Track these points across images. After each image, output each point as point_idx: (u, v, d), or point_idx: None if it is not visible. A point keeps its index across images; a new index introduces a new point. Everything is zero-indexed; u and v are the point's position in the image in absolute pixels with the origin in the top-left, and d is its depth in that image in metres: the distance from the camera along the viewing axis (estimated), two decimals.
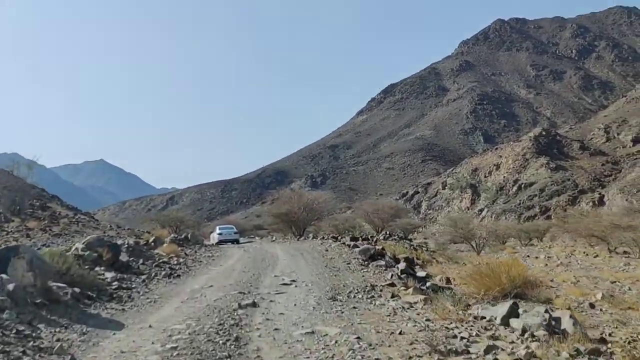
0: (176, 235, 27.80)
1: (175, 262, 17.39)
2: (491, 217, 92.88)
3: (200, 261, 18.88)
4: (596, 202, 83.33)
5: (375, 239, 36.24)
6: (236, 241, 38.91)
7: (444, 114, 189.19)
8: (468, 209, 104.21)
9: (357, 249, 19.29)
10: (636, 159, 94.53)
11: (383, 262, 16.47)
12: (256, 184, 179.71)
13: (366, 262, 16.69)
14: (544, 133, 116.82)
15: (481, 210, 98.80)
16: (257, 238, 48.85)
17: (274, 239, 38.84)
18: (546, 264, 28.55)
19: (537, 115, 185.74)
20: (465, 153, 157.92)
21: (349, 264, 16.69)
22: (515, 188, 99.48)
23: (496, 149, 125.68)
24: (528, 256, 33.45)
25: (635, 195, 79.72)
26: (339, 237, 35.62)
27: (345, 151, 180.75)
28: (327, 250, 21.35)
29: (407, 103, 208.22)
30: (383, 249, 20.52)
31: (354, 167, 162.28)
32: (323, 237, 33.52)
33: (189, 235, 28.87)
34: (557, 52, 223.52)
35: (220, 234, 40.27)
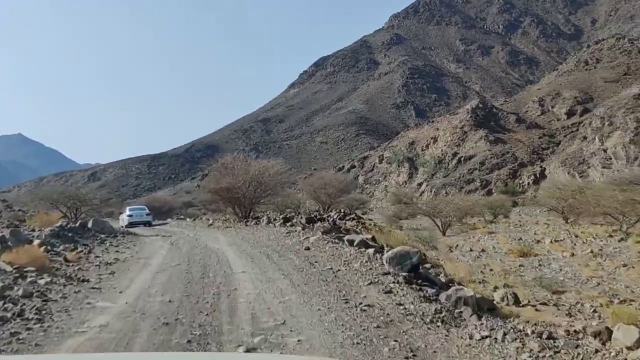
0: (66, 223, 19.58)
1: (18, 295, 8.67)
2: (431, 191, 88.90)
3: (84, 282, 10.45)
4: (537, 176, 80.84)
5: (333, 218, 29.38)
6: (148, 223, 35.87)
7: (375, 87, 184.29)
8: (406, 183, 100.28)
9: (363, 249, 12.00)
10: (572, 131, 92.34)
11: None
12: (185, 158, 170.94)
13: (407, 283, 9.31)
14: (480, 105, 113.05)
15: (420, 184, 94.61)
16: (187, 220, 40.72)
17: (211, 222, 31.20)
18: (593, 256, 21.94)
19: (466, 90, 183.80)
20: (398, 127, 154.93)
21: (379, 285, 9.43)
22: (454, 161, 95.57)
23: (432, 121, 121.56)
24: (538, 241, 27.10)
25: (577, 168, 77.36)
26: (291, 218, 28.70)
27: (278, 125, 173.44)
28: (307, 249, 13.79)
29: (339, 76, 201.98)
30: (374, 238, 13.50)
31: (287, 141, 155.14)
32: (271, 219, 26.25)
33: (88, 223, 20.70)
34: (485, 27, 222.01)
35: (130, 215, 36.54)
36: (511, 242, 28.94)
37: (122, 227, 33.72)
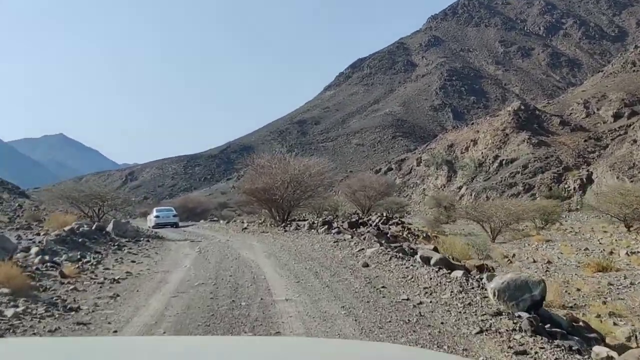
0: (78, 226, 16.78)
1: None
2: (471, 195, 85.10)
3: (71, 312, 7.67)
4: (584, 180, 76.48)
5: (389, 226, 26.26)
6: (175, 225, 35.93)
7: (413, 89, 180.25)
8: (444, 187, 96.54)
9: (444, 269, 8.72)
10: (620, 134, 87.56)
11: None
12: (221, 159, 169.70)
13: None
14: (522, 107, 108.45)
15: (459, 188, 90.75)
16: (220, 222, 37.99)
17: (245, 225, 28.33)
18: None
19: (505, 92, 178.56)
20: (435, 130, 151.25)
21: None
22: (495, 165, 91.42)
23: (472, 124, 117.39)
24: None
25: (626, 172, 72.98)
26: (330, 222, 25.74)
27: (314, 127, 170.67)
28: (366, 266, 10.61)
29: (376, 78, 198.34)
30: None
31: (322, 143, 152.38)
32: (314, 225, 23.22)
33: (107, 225, 17.96)
34: (525, 29, 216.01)
35: (157, 216, 37.10)
36: (577, 253, 25.51)
37: (150, 227, 33.93)
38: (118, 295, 8.96)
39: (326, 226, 23.20)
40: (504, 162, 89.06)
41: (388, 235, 25.85)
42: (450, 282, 8.63)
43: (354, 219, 35.02)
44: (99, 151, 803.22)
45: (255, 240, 20.10)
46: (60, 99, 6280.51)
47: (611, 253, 24.64)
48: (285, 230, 23.07)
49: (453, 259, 14.03)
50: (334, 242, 16.29)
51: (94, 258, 13.02)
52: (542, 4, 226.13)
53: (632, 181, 68.32)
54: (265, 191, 25.98)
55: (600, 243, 28.99)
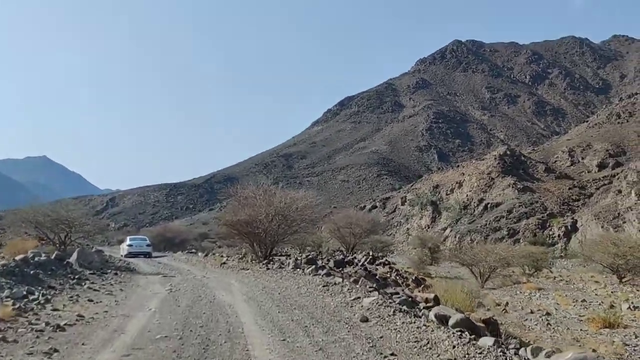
0: (32, 255, 14.70)
1: None
2: (455, 237, 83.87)
3: None
4: (569, 227, 75.63)
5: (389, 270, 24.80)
6: (148, 254, 35.09)
7: (399, 129, 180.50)
8: (428, 227, 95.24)
9: (467, 333, 6.87)
10: (604, 184, 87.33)
11: None
12: (204, 189, 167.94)
13: None
14: (508, 152, 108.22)
15: (444, 229, 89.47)
16: (198, 254, 35.87)
17: (224, 259, 26.20)
18: None
19: (490, 137, 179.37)
20: (420, 170, 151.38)
21: None
22: (480, 208, 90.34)
23: (458, 166, 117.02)
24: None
25: (611, 222, 72.15)
26: (314, 260, 24.07)
27: (300, 161, 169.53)
28: (365, 320, 8.72)
29: (364, 117, 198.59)
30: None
31: (308, 177, 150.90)
32: (300, 263, 21.39)
33: (71, 254, 15.96)
34: (512, 76, 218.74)
35: (130, 245, 36.04)
36: (574, 305, 23.90)
37: (122, 256, 33.38)
38: (56, 351, 6.94)
39: (313, 266, 21.39)
40: (488, 205, 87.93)
41: (377, 277, 24.08)
42: (482, 354, 6.76)
43: (339, 257, 33.25)
44: (82, 175, 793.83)
45: (234, 278, 18.11)
46: (44, 120, 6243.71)
47: (611, 307, 22.99)
48: (268, 268, 21.03)
49: (456, 310, 12.23)
50: (323, 285, 14.35)
51: (43, 295, 10.85)
52: (528, 53, 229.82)
53: (616, 230, 67.44)
54: (248, 224, 23.66)
55: (596, 294, 27.55)
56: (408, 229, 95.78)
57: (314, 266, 19.43)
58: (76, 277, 14.44)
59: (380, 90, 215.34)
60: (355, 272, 24.35)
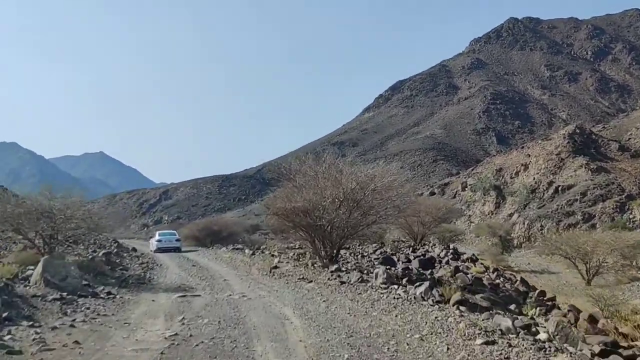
0: None
1: None
2: (523, 223, 75.67)
3: None
4: None
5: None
6: (177, 249, 34.60)
7: (455, 112, 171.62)
8: (492, 213, 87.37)
9: None
10: None
11: None
12: (256, 180, 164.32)
13: None
14: (578, 131, 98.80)
15: (510, 215, 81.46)
16: (245, 251, 30.00)
17: (276, 261, 21.14)
18: None
19: (552, 117, 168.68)
20: (478, 154, 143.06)
21: None
22: (550, 191, 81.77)
23: (522, 147, 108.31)
24: None
25: None
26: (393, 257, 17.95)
27: (351, 149, 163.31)
28: None
29: (416, 101, 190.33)
30: None
31: (361, 165, 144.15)
32: (362, 256, 15.33)
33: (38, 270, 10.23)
34: (572, 53, 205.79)
35: (159, 240, 35.62)
36: None
37: (151, 251, 32.97)
38: None
39: (421, 285, 14.97)
40: (559, 188, 79.85)
41: (490, 286, 17.37)
42: None
43: (418, 253, 26.50)
44: (138, 170, 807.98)
45: (292, 302, 12.24)
46: (100, 117, 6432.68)
47: None
48: (343, 282, 14.76)
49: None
50: (435, 316, 8.36)
51: None
52: (589, 28, 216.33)
53: None
54: (307, 213, 17.66)
55: None
56: (470, 215, 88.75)
57: (406, 277, 12.94)
58: (49, 304, 8.56)
59: (434, 72, 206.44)
60: (453, 276, 17.95)
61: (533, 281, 26.67)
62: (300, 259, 20.92)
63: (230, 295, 13.04)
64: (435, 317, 10.02)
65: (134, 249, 33.63)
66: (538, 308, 13.23)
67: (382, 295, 11.85)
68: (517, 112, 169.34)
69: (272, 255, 24.14)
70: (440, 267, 23.14)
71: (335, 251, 18.87)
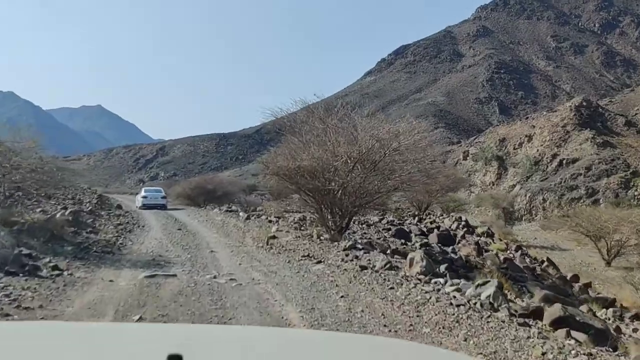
0: None
1: None
2: (525, 195, 73.20)
3: None
4: None
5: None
6: (163, 207, 34.29)
7: (458, 80, 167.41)
8: (493, 184, 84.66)
9: None
10: None
11: None
12: (254, 140, 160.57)
13: None
14: (584, 103, 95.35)
15: (512, 187, 78.78)
16: (240, 214, 27.01)
17: (274, 230, 17.53)
18: None
19: (556, 89, 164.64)
20: (480, 123, 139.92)
21: None
22: (554, 164, 78.97)
23: (527, 118, 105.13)
24: None
25: None
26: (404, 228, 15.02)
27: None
28: None
29: (419, 66, 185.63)
30: None
31: (381, 117, 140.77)
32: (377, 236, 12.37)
33: None
34: (580, 24, 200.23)
35: (145, 197, 35.25)
36: None
37: (137, 207, 32.64)
38: None
39: (443, 265, 11.86)
40: (564, 161, 77.05)
41: (524, 269, 14.20)
42: None
43: (432, 226, 23.37)
44: (136, 125, 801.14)
45: (295, 287, 9.41)
46: (99, 70, 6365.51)
47: None
48: (362, 267, 11.16)
49: None
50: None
51: None
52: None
53: None
54: (314, 174, 14.41)
55: None
56: (470, 185, 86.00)
57: (488, 287, 9.21)
58: None
59: (438, 38, 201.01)
60: (480, 255, 14.80)
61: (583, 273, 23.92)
62: (303, 228, 17.85)
63: (214, 277, 9.93)
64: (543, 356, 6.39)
65: (119, 206, 30.56)
66: (608, 310, 10.21)
67: (427, 296, 8.47)
68: (521, 82, 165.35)
69: (270, 221, 21.04)
70: (459, 243, 20.17)
71: (345, 222, 15.57)
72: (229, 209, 32.43)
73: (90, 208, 19.84)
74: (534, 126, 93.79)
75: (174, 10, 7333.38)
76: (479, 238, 24.16)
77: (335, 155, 13.90)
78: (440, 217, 33.89)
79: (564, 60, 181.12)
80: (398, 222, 24.55)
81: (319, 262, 11.61)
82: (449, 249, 17.31)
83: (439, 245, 18.07)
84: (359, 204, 15.32)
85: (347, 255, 12.07)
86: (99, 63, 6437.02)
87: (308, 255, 12.11)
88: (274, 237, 15.38)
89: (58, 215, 15.37)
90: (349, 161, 13.91)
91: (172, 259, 12.04)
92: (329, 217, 15.56)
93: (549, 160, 79.65)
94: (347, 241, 13.79)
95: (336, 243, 13.56)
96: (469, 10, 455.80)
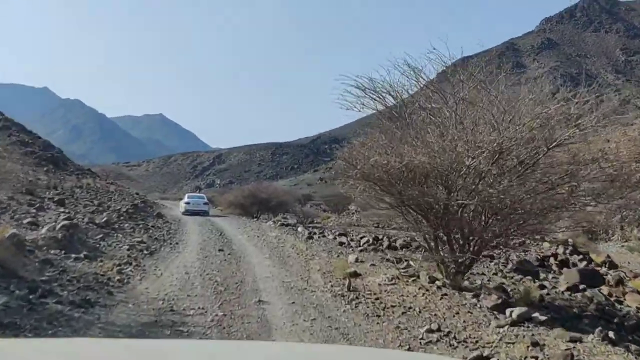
0: None
1: None
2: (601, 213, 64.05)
3: None
4: None
5: None
6: (205, 213, 33.34)
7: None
8: None
9: None
10: None
11: None
12: (310, 149, 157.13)
13: None
14: None
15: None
16: (298, 229, 21.62)
17: (354, 258, 11.95)
18: None
19: (626, 104, 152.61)
20: None
21: None
22: (633, 180, 69.78)
23: (598, 129, 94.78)
24: None
25: None
26: None
27: None
28: None
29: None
30: None
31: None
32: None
33: None
34: None
35: (187, 202, 34.71)
36: None
37: (181, 213, 32.05)
38: None
39: None
40: None
41: None
42: None
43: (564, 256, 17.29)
44: (195, 134, 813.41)
45: None
46: (160, 79, 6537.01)
47: None
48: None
49: None
50: None
51: None
52: None
53: None
54: (425, 177, 8.73)
55: None
56: None
57: None
58: None
59: (501, 50, 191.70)
60: None
61: None
62: (380, 250, 12.12)
63: None
64: None
65: (160, 215, 25.64)
66: None
67: None
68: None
69: (341, 244, 15.46)
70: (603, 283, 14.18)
71: (470, 257, 9.17)
72: (284, 221, 27.06)
73: (105, 219, 14.68)
74: (608, 140, 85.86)
75: (236, 22, 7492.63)
76: (599, 268, 17.97)
77: (472, 146, 8.52)
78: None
79: (634, 74, 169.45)
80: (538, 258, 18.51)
81: (475, 350, 5.89)
82: (600, 293, 11.47)
83: (583, 286, 12.23)
84: (504, 230, 8.98)
85: (517, 336, 6.04)
86: (162, 73, 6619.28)
87: (437, 329, 6.33)
88: (355, 273, 9.81)
89: (43, 231, 10.37)
90: (489, 157, 8.06)
91: (190, 318, 6.69)
92: (440, 246, 9.49)
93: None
94: (521, 309, 7.43)
95: (478, 301, 7.70)
96: (532, 23, 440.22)
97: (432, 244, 9.23)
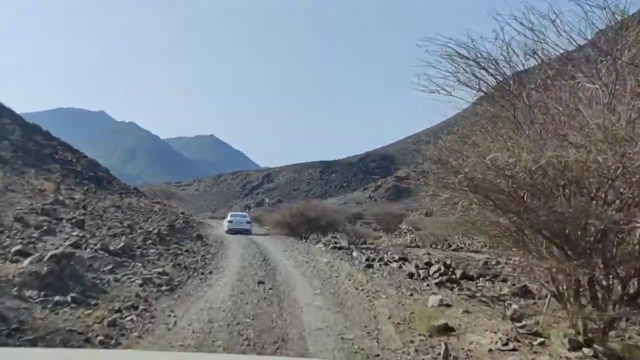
0: None
1: None
2: None
3: None
4: None
5: None
6: (247, 232, 33.52)
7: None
8: None
9: None
10: None
11: None
12: (359, 168, 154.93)
13: None
14: None
15: None
16: (352, 253, 18.65)
17: (434, 295, 8.81)
18: None
19: None
20: None
21: None
22: None
23: None
24: None
25: None
26: None
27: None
28: None
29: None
30: None
31: None
32: None
33: None
34: None
35: (230, 221, 34.63)
36: None
37: (225, 231, 32.85)
38: None
39: None
40: None
41: None
42: None
43: None
44: (245, 154, 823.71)
45: None
46: (210, 100, 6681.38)
47: None
48: None
49: None
50: None
51: None
52: None
53: None
54: (576, 182, 5.31)
55: None
56: None
57: None
58: None
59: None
60: None
61: None
62: (453, 284, 8.97)
63: None
64: None
65: (200, 237, 23.17)
66: None
67: None
68: None
69: (411, 276, 12.32)
70: None
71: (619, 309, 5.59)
72: (335, 242, 24.19)
73: (122, 245, 11.96)
74: None
75: (283, 42, 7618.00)
76: None
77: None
78: None
79: None
80: None
81: None
82: None
83: None
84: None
85: None
86: (212, 96, 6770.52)
87: None
88: (446, 327, 6.74)
89: (25, 263, 7.74)
90: None
91: None
92: (582, 282, 6.09)
93: None
94: None
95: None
96: None
97: (568, 288, 6.01)
